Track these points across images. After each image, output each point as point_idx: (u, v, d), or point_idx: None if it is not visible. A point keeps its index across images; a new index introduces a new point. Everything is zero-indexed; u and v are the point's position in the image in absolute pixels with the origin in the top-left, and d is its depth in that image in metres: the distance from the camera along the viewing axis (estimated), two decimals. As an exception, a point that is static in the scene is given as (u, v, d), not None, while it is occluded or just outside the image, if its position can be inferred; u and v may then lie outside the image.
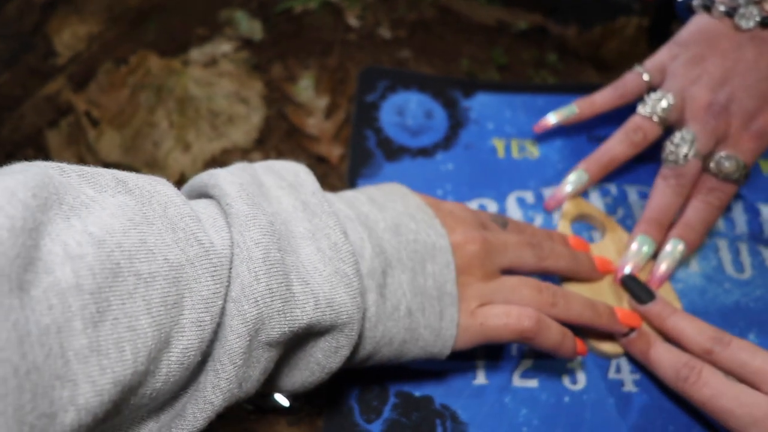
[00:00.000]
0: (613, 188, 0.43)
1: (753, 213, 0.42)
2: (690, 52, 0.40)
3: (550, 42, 0.55)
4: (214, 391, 0.24)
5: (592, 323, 0.33)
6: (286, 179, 0.28)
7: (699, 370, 0.31)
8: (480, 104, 0.47)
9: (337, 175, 0.44)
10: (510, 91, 0.48)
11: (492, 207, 0.41)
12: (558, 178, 0.43)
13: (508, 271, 0.33)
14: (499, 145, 0.44)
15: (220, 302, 0.23)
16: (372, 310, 0.28)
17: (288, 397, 0.33)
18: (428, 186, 0.42)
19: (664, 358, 0.33)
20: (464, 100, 0.47)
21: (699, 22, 0.40)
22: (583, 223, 0.41)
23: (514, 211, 0.41)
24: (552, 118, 0.42)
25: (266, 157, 0.45)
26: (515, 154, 0.44)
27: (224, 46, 0.51)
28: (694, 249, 0.38)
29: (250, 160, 0.46)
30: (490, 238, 0.33)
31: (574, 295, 0.33)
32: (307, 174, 0.29)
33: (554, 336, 0.31)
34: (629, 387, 0.35)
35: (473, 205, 0.41)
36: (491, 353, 0.35)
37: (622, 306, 0.36)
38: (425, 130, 0.45)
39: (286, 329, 0.24)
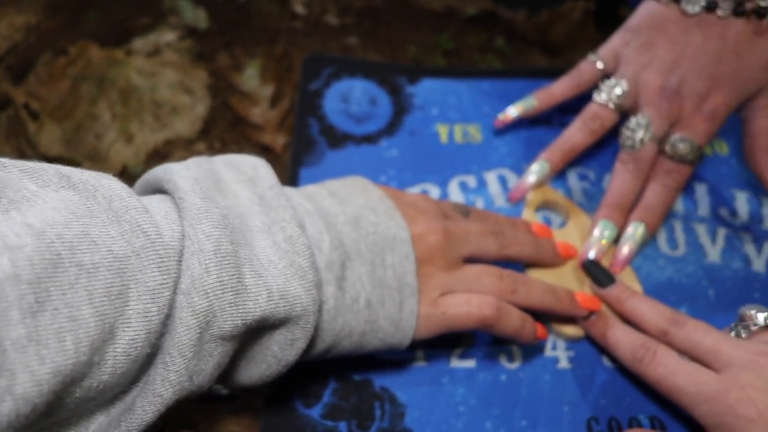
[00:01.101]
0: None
1: (688, 191, 0.43)
2: (640, 38, 0.40)
3: (498, 27, 0.55)
4: (164, 384, 0.24)
5: (553, 308, 0.34)
6: (245, 173, 0.29)
7: (654, 350, 0.32)
8: (425, 90, 0.47)
9: (281, 164, 0.44)
10: (456, 76, 0.48)
11: (434, 192, 0.42)
12: (500, 162, 0.43)
13: (472, 260, 0.34)
14: (442, 130, 0.45)
15: (168, 293, 0.23)
16: (331, 302, 0.28)
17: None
18: (371, 173, 0.42)
19: (622, 339, 0.34)
20: (409, 87, 0.47)
21: (648, 8, 0.41)
22: (548, 209, 0.42)
23: (456, 196, 0.42)
24: (512, 112, 0.43)
25: (210, 147, 0.45)
26: (458, 139, 0.44)
27: (168, 35, 0.51)
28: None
29: (194, 151, 0.45)
30: (452, 227, 0.33)
31: (534, 281, 0.34)
32: (266, 168, 0.29)
33: (514, 322, 0.32)
34: (564, 364, 0.35)
35: (416, 190, 0.42)
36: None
37: (583, 290, 0.37)
38: (370, 117, 0.45)
39: (239, 322, 0.25)
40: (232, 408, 0.34)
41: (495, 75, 0.48)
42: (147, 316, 0.23)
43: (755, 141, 0.39)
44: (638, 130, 0.38)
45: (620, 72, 0.40)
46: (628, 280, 0.38)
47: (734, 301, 0.38)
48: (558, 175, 0.43)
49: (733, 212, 0.42)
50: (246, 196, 0.27)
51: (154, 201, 0.26)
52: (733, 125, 0.43)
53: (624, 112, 0.40)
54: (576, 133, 0.41)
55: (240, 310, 0.24)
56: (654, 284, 0.39)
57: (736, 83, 0.38)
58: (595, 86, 0.42)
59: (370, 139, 0.44)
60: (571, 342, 0.36)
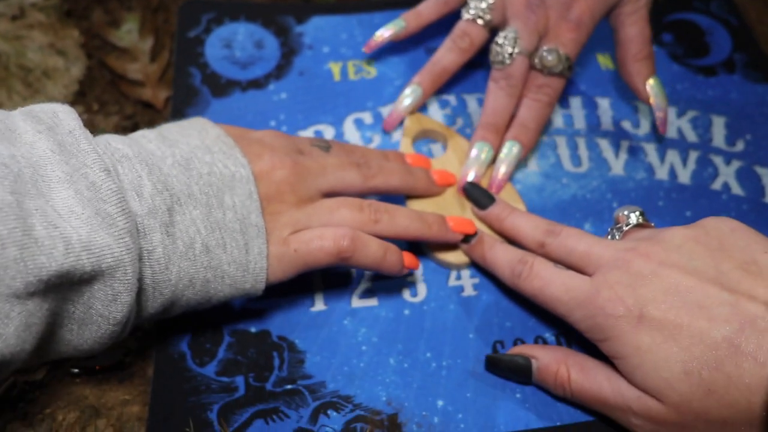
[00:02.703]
0: (452, 99, 0.42)
1: (591, 107, 0.42)
2: None
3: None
4: None
5: (423, 235, 0.33)
6: (45, 122, 0.26)
7: (531, 264, 0.31)
8: (314, 28, 0.44)
9: (164, 119, 0.41)
10: (346, 12, 0.45)
11: (329, 132, 0.40)
12: (396, 95, 0.41)
13: (337, 196, 0.32)
14: (335, 68, 0.42)
15: None
16: (159, 251, 0.26)
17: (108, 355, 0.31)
18: (260, 118, 0.40)
19: (500, 257, 0.33)
20: (297, 26, 0.44)
21: None
22: (427, 139, 0.40)
23: (351, 133, 0.40)
24: (381, 35, 0.41)
25: (88, 109, 0.42)
26: (352, 75, 0.42)
27: (33, -5, 0.46)
28: (531, 147, 0.38)
29: (70, 115, 0.42)
30: (304, 161, 0.31)
31: (399, 209, 0.32)
32: (67, 113, 0.27)
33: (374, 252, 0.30)
34: (469, 291, 0.34)
35: (309, 132, 0.40)
36: (329, 279, 0.35)
37: (465, 215, 0.36)
38: (256, 61, 0.42)
39: (32, 278, 0.22)
40: (121, 377, 0.32)
41: (386, 6, 0.46)
42: None
43: (625, 49, 0.38)
44: (506, 45, 0.37)
45: None
46: (510, 200, 0.37)
47: (639, 211, 0.38)
48: (458, 100, 0.41)
49: (636, 124, 0.42)
50: (45, 146, 0.25)
51: None
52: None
53: (494, 28, 0.39)
54: (446, 54, 0.39)
55: (30, 266, 0.22)
56: (558, 202, 0.38)
57: None
58: (463, 4, 0.40)
59: (257, 83, 0.41)
60: (457, 270, 0.35)
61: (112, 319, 0.25)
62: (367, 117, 0.41)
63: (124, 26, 0.46)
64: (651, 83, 0.38)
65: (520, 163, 0.38)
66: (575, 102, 0.42)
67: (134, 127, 0.41)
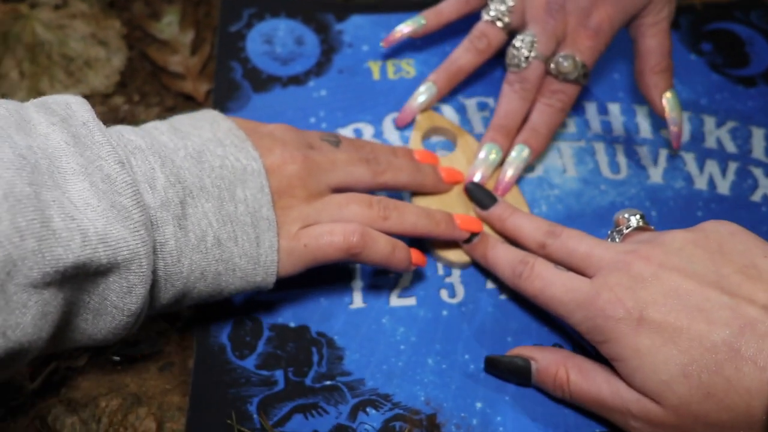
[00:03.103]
0: (491, 102, 0.42)
1: (629, 115, 0.42)
2: None
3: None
4: None
5: (430, 232, 0.33)
6: (58, 113, 0.26)
7: (532, 264, 0.31)
8: (354, 27, 0.44)
9: (205, 112, 0.41)
10: (385, 11, 0.45)
11: (368, 131, 0.40)
12: (435, 95, 0.42)
13: (347, 191, 0.32)
14: (374, 67, 0.43)
15: None
16: (171, 243, 0.27)
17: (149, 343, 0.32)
18: (300, 115, 0.40)
19: (501, 257, 0.33)
20: (337, 24, 0.44)
21: None
22: (438, 137, 0.40)
23: (390, 133, 0.40)
24: (400, 31, 0.41)
25: (129, 100, 0.42)
26: (391, 75, 0.42)
27: (76, -15, 0.47)
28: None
29: (111, 106, 0.42)
30: (315, 156, 0.32)
31: (408, 206, 0.33)
32: (80, 104, 0.27)
33: (382, 248, 0.30)
34: (507, 294, 0.34)
35: (348, 130, 0.40)
36: (367, 275, 0.35)
37: (468, 214, 0.36)
38: (296, 58, 0.42)
39: (49, 269, 0.22)
40: (161, 367, 0.32)
41: (425, 7, 0.46)
42: None
43: (644, 61, 0.38)
44: (523, 48, 0.37)
45: None
46: (515, 203, 0.36)
47: (677, 221, 0.38)
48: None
49: (675, 132, 0.41)
50: (60, 138, 0.25)
51: None
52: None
53: (512, 31, 0.39)
54: (463, 54, 0.39)
55: (47, 257, 0.22)
56: (596, 209, 0.38)
57: None
58: (484, 5, 0.40)
59: (297, 80, 0.41)
60: (457, 269, 0.35)
61: (127, 311, 0.25)
62: (406, 117, 0.41)
63: (165, 19, 0.46)
64: (668, 97, 0.38)
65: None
66: (613, 109, 0.42)
67: (175, 119, 0.41)
